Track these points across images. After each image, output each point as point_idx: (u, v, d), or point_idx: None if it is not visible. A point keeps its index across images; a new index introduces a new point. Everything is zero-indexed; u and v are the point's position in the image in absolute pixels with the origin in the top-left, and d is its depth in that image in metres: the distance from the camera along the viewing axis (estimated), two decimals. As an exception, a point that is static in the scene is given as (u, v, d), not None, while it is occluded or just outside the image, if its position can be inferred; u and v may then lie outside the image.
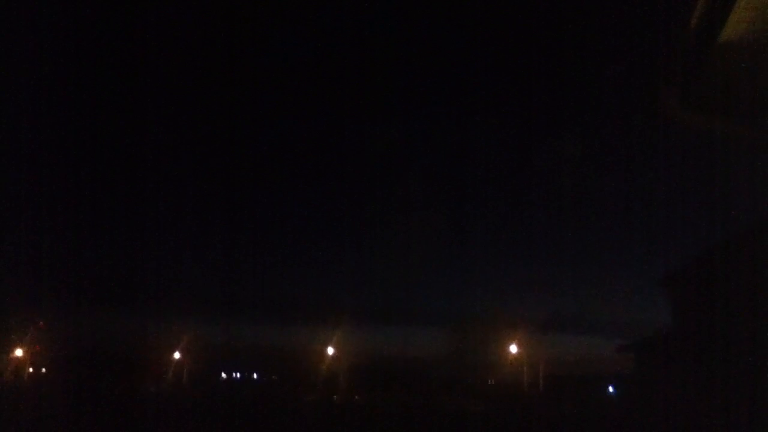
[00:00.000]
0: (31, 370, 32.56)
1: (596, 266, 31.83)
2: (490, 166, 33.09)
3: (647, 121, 18.45)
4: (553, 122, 26.12)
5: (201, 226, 35.98)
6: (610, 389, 26.06)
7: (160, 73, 26.95)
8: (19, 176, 25.91)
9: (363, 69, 30.39)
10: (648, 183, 21.12)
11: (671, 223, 22.93)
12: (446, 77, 31.56)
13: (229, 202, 33.30)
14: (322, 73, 33.84)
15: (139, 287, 30.90)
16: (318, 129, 36.49)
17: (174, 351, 32.30)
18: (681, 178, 20.78)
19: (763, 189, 15.33)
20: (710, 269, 16.69)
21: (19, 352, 31.27)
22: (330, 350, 30.71)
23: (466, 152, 29.75)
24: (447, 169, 34.33)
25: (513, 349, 27.76)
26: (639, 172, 23.65)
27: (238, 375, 37.51)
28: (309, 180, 38.31)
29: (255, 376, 37.06)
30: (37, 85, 25.54)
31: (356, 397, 28.43)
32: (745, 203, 16.08)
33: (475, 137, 29.13)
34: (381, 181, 33.30)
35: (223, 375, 36.81)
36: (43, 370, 33.13)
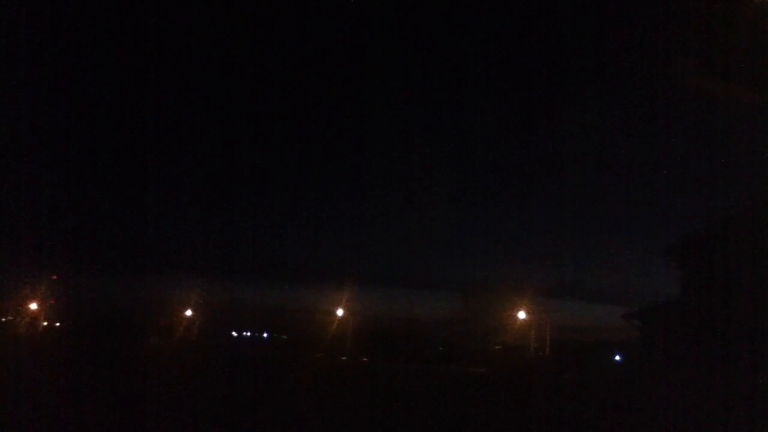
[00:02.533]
0: (45, 323, 33.21)
1: (604, 234, 32.00)
2: (500, 132, 33.06)
3: (659, 88, 18.44)
4: (563, 88, 26.02)
5: (213, 189, 36.13)
6: (617, 357, 26.30)
7: (160, 31, 27.00)
8: (33, 137, 26.16)
9: (370, 29, 30.21)
10: (658, 150, 21.12)
11: (679, 191, 23.02)
12: (459, 39, 31.30)
13: (241, 164, 33.49)
14: (328, 33, 33.64)
15: (152, 247, 31.23)
16: (325, 91, 36.38)
17: (186, 309, 32.83)
18: (691, 146, 20.84)
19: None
20: (717, 238, 16.80)
21: (33, 306, 31.84)
22: (339, 311, 31.12)
23: (477, 119, 29.72)
24: (458, 135, 34.31)
25: (520, 314, 27.99)
26: (650, 139, 23.60)
27: (248, 334, 38.09)
28: (320, 142, 38.38)
29: (265, 335, 37.62)
30: (39, 47, 25.60)
31: (363, 359, 28.80)
32: (753, 174, 16.18)
33: (486, 103, 29.06)
34: (392, 143, 33.33)
35: (234, 333, 37.40)
36: (57, 324, 33.80)
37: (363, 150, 34.37)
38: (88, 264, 32.28)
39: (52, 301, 31.81)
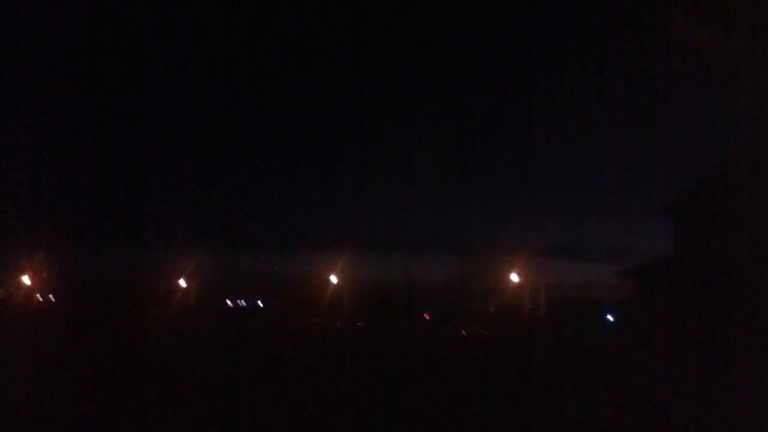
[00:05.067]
0: (40, 297, 33.11)
1: (597, 192, 31.72)
2: (491, 92, 32.52)
3: (653, 41, 18.00)
4: (556, 43, 25.36)
5: (205, 155, 35.73)
6: (609, 317, 26.38)
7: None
8: (22, 112, 25.72)
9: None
10: (650, 106, 20.69)
11: (673, 148, 22.70)
12: (453, 9, 30.60)
13: (234, 131, 32.99)
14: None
15: (143, 216, 30.92)
16: (318, 55, 35.74)
17: (179, 278, 32.73)
18: (685, 101, 20.46)
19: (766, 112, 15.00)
20: (711, 195, 16.58)
21: (27, 280, 31.66)
22: (333, 277, 31.05)
23: (467, 80, 29.14)
24: (448, 97, 33.71)
25: (514, 276, 27.96)
26: (642, 95, 23.16)
27: (243, 302, 38.05)
28: (312, 109, 37.83)
29: (260, 303, 37.59)
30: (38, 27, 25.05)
31: (359, 323, 28.88)
32: (747, 129, 15.86)
33: (475, 63, 28.46)
34: (384, 108, 32.78)
35: (228, 302, 37.35)
36: (52, 297, 33.70)
37: (358, 121, 33.78)
38: (80, 236, 31.95)
39: (46, 274, 31.61)
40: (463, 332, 25.48)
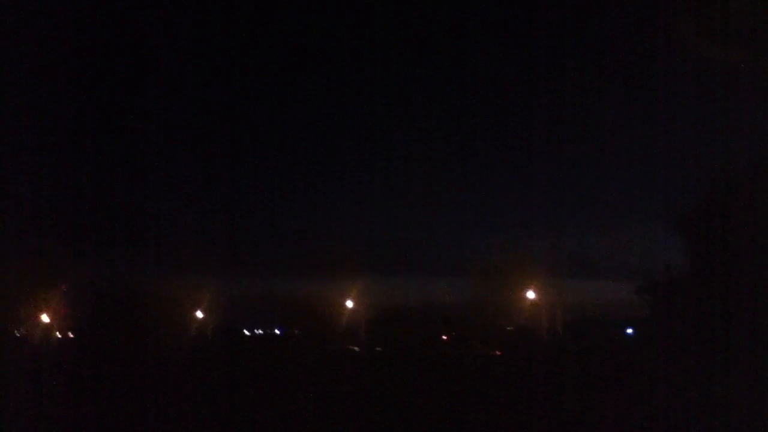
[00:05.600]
0: (59, 335, 33.17)
1: (610, 209, 31.59)
2: (503, 110, 32.67)
3: (663, 56, 18.13)
4: (561, 53, 25.53)
5: (214, 179, 35.84)
6: (629, 331, 26.22)
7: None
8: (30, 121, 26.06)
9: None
10: (663, 121, 20.80)
11: (684, 163, 22.74)
12: (456, 10, 30.74)
13: (240, 153, 33.28)
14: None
15: (159, 244, 31.09)
16: (327, 71, 35.97)
17: (197, 309, 32.87)
18: (696, 115, 20.53)
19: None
20: (725, 210, 16.61)
21: (45, 318, 31.77)
22: (349, 303, 31.12)
23: (480, 95, 29.36)
24: (463, 118, 33.78)
25: (530, 295, 27.96)
26: (655, 111, 23.20)
27: (260, 331, 38.04)
28: (325, 134, 38.15)
29: (277, 331, 37.52)
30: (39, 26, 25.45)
31: (377, 348, 28.85)
32: (756, 138, 15.92)
33: (484, 76, 28.65)
34: (398, 130, 33.04)
35: (246, 332, 37.35)
36: (70, 334, 33.76)
37: (369, 144, 34.07)
38: (97, 266, 32.22)
39: (65, 311, 31.77)
40: (498, 353, 25.40)
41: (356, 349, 29.12)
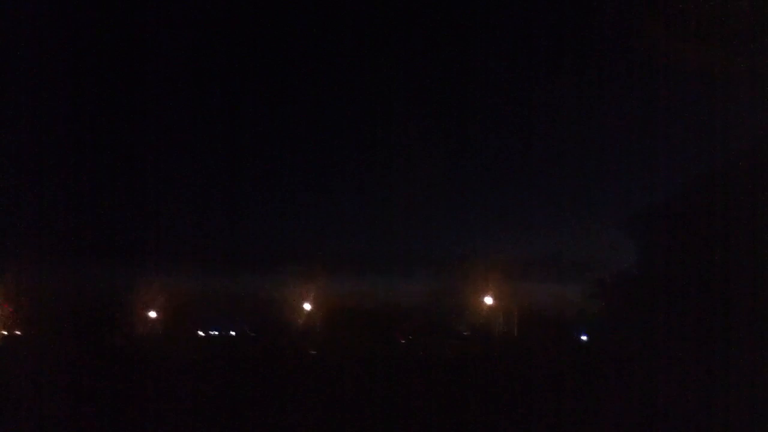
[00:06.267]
0: (5, 332, 32.24)
1: (565, 208, 31.67)
2: (457, 108, 32.57)
3: (626, 53, 18.21)
4: (532, 59, 25.50)
5: (179, 175, 35.07)
6: (583, 337, 26.42)
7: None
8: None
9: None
10: (614, 119, 20.91)
11: (637, 162, 22.92)
12: (442, 13, 30.58)
13: (210, 150, 32.68)
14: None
15: (113, 241, 30.35)
16: (306, 70, 35.53)
17: (149, 308, 32.15)
18: (653, 113, 20.66)
19: (738, 125, 15.16)
20: (678, 208, 16.75)
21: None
22: (306, 305, 30.80)
23: (440, 93, 29.20)
24: (424, 112, 33.61)
25: (487, 299, 28.07)
26: (611, 106, 23.31)
27: (216, 332, 37.35)
28: (288, 131, 37.63)
29: (232, 333, 36.88)
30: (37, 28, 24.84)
31: (332, 348, 28.63)
32: (720, 143, 16.04)
33: (459, 80, 28.54)
34: (357, 128, 32.80)
35: (200, 333, 36.67)
36: (17, 332, 32.80)
37: (327, 145, 33.69)
38: (46, 262, 31.34)
39: (7, 306, 30.87)
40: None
41: (312, 352, 28.89)
